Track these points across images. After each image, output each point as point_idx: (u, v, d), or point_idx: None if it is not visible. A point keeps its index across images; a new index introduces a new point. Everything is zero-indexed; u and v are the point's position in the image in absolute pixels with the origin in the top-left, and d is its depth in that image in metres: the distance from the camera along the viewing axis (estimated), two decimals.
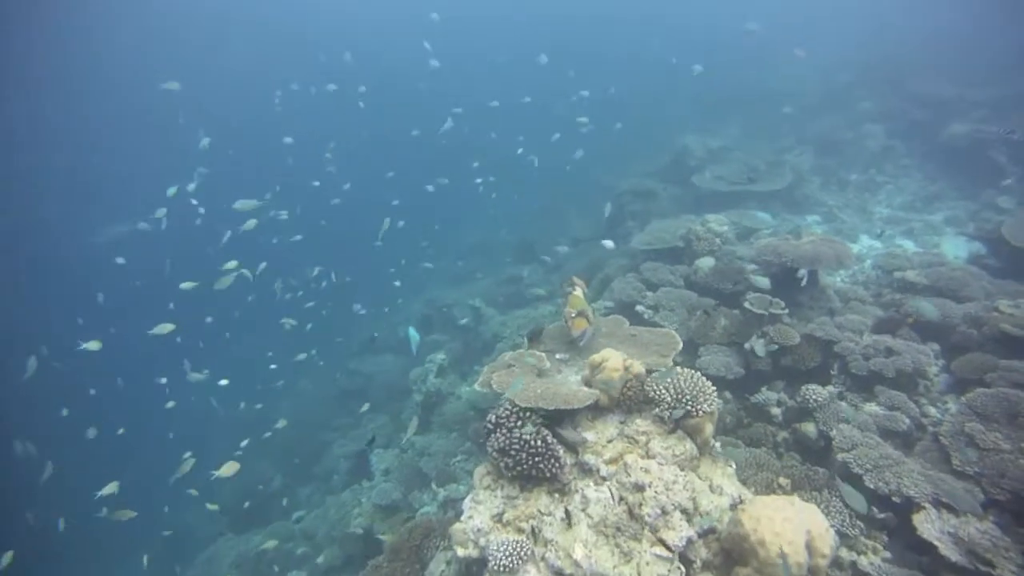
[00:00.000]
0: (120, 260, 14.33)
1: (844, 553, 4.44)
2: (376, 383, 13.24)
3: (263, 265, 10.52)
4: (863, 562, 4.37)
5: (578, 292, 5.56)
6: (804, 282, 6.55)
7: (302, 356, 14.57)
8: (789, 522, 3.30)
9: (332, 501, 9.19)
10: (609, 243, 8.67)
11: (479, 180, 14.93)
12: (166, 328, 7.82)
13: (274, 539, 8.99)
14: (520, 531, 3.85)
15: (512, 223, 18.71)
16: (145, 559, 9.60)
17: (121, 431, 12.73)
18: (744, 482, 4.86)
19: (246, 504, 11.07)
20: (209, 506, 9.22)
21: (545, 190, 19.72)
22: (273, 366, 15.22)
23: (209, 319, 14.94)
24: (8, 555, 7.35)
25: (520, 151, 16.58)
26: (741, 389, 6.25)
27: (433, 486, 7.79)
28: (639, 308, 7.46)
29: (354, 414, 12.78)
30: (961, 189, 10.77)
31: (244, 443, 12.97)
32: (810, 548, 3.28)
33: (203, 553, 10.45)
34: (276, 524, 9.86)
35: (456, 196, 20.59)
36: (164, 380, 12.82)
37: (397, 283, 14.63)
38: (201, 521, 12.25)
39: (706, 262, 7.91)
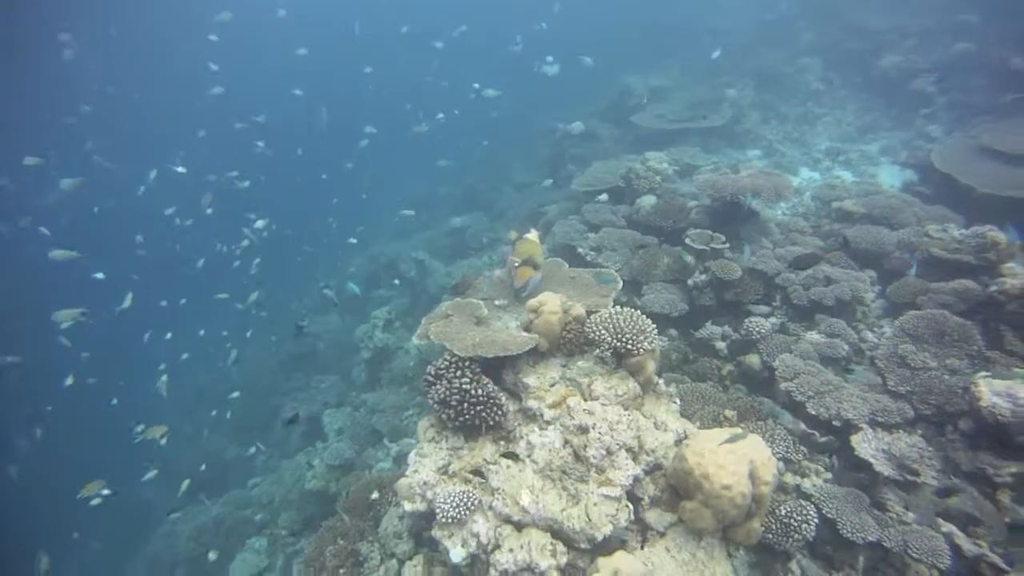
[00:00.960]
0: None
1: (789, 478, 4.54)
2: (325, 342, 12.94)
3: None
4: (806, 484, 4.47)
5: (532, 236, 5.37)
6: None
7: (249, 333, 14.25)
8: (732, 454, 3.29)
9: (287, 465, 9.00)
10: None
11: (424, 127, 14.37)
12: (70, 313, 7.30)
13: (230, 507, 8.81)
14: (467, 481, 3.77)
15: (454, 172, 18.26)
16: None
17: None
18: (691, 416, 4.90)
19: (201, 471, 10.80)
20: (148, 474, 8.94)
21: (487, 136, 19.30)
22: (224, 332, 14.80)
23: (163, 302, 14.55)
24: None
25: (474, 96, 16.15)
26: (686, 325, 6.27)
27: (386, 442, 7.69)
28: (580, 250, 7.36)
29: (305, 376, 12.54)
30: (895, 119, 10.92)
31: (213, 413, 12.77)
32: (753, 477, 3.29)
33: (162, 527, 10.18)
34: (232, 492, 9.64)
35: (395, 148, 20.07)
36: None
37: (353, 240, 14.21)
38: (160, 496, 11.93)
39: (647, 200, 7.85)
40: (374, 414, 8.53)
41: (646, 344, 3.85)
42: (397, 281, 12.05)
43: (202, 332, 14.85)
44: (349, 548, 4.81)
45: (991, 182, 6.69)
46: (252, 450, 9.82)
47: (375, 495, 5.28)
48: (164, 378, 8.63)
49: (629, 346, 3.84)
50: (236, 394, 11.51)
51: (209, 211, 10.68)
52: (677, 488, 3.52)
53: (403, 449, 7.17)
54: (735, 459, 3.28)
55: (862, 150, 10.38)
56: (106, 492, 7.15)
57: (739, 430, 3.51)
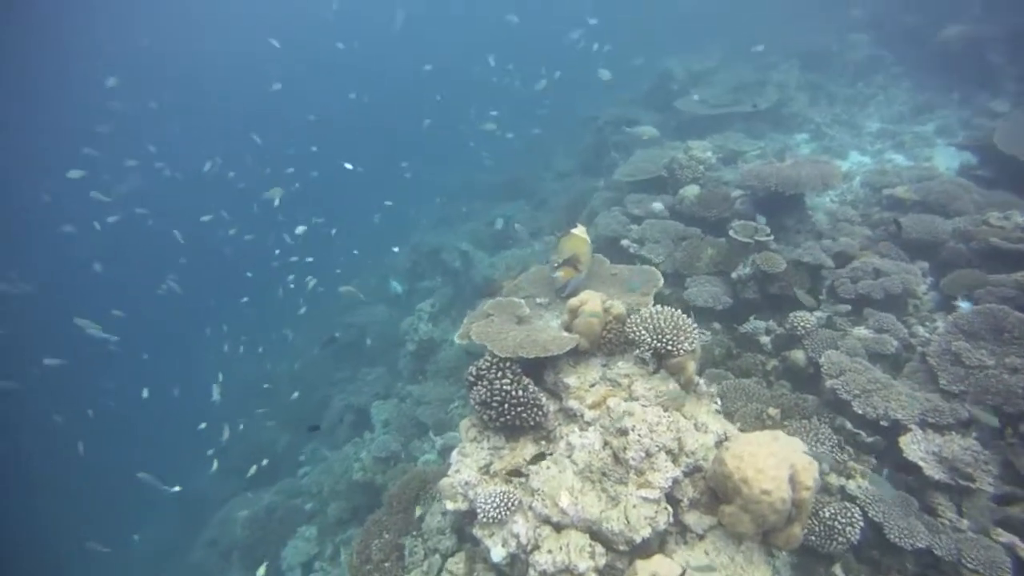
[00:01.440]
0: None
1: (833, 479, 4.47)
2: (370, 334, 13.21)
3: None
4: (851, 486, 4.39)
5: (578, 232, 5.35)
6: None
7: (302, 310, 14.66)
8: (772, 457, 3.26)
9: (335, 455, 9.30)
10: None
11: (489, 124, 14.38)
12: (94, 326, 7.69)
13: (281, 495, 9.16)
14: (507, 481, 3.84)
15: (498, 161, 18.30)
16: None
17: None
18: (733, 414, 4.86)
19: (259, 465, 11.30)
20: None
21: (531, 124, 19.24)
22: (286, 331, 15.30)
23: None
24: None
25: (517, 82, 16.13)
26: (730, 319, 6.18)
27: (431, 434, 7.85)
28: (624, 243, 7.31)
29: (352, 367, 12.85)
30: (953, 95, 10.41)
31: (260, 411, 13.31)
32: (794, 482, 3.26)
33: (217, 514, 10.66)
34: (284, 481, 10.01)
35: (440, 137, 20.25)
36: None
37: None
38: (214, 485, 12.47)
39: (691, 190, 7.72)
40: (419, 406, 8.71)
41: (686, 345, 3.83)
42: (439, 278, 12.20)
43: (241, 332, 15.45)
44: (394, 542, 4.96)
45: None
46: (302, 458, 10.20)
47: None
48: (219, 382, 9.04)
49: (669, 347, 3.83)
50: (296, 395, 11.95)
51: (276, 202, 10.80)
52: (716, 491, 3.51)
53: (447, 443, 7.31)
54: (775, 463, 3.25)
55: (916, 131, 9.96)
56: (176, 489, 7.62)
57: (779, 432, 3.48)
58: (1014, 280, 5.18)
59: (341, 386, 12.10)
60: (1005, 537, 3.90)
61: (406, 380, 10.09)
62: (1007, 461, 4.19)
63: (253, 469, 9.47)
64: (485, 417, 3.94)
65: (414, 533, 4.99)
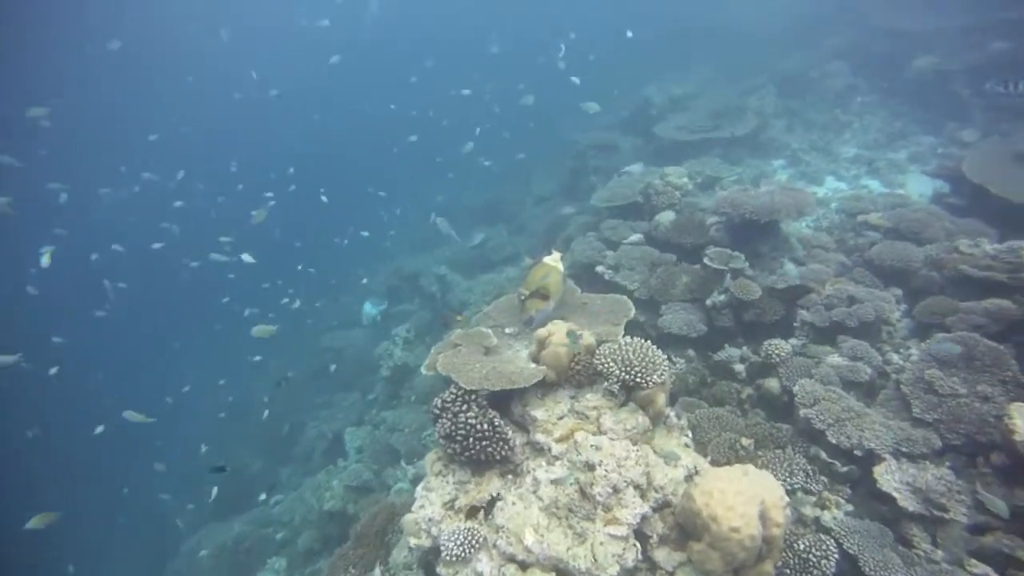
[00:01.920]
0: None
1: (808, 510, 4.40)
2: (346, 358, 13.05)
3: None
4: (826, 517, 4.33)
5: (550, 260, 5.23)
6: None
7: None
8: (741, 494, 3.18)
9: (308, 483, 9.08)
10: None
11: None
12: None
13: (251, 525, 8.91)
14: (472, 517, 3.72)
15: (476, 185, 18.32)
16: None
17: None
18: (706, 444, 4.79)
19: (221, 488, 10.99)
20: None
21: (511, 149, 19.33)
22: (258, 357, 15.08)
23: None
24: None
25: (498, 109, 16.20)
26: (705, 347, 6.14)
27: (402, 463, 7.69)
28: (599, 269, 7.27)
29: (328, 392, 12.66)
30: (925, 124, 10.58)
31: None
32: (764, 519, 3.18)
33: (185, 543, 10.35)
34: (255, 510, 9.76)
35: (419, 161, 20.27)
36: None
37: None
38: (182, 513, 12.16)
39: (666, 216, 7.73)
40: (393, 433, 8.56)
41: (655, 377, 3.76)
42: (416, 302, 12.11)
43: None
44: None
45: None
46: (262, 497, 9.95)
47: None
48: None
49: (638, 379, 3.76)
50: (266, 413, 11.71)
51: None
52: (685, 527, 3.42)
53: (420, 472, 7.16)
54: (744, 500, 3.17)
55: (890, 158, 10.08)
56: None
57: (749, 467, 3.41)
58: (983, 308, 5.18)
59: (315, 412, 11.89)
60: (979, 568, 3.84)
61: (381, 406, 9.93)
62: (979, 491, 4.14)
63: (214, 492, 9.22)
64: (450, 451, 3.84)
65: (381, 568, 4.84)
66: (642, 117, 13.70)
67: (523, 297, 4.80)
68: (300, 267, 16.86)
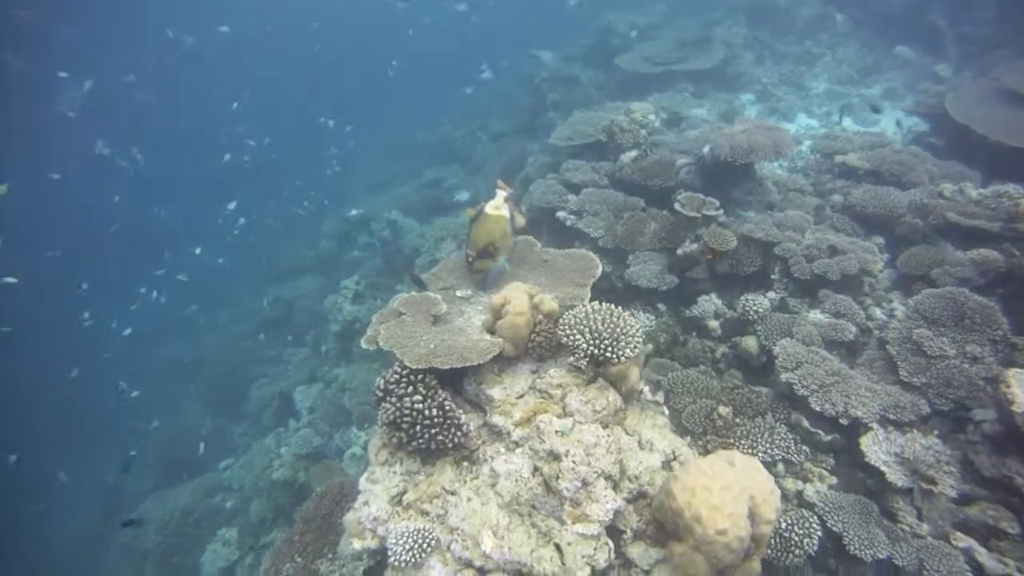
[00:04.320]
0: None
1: (790, 483, 4.08)
2: (297, 309, 12.32)
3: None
4: (809, 491, 4.02)
5: (492, 210, 4.56)
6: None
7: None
8: (728, 491, 2.76)
9: (257, 447, 8.54)
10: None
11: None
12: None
13: (200, 493, 8.40)
14: (424, 514, 3.25)
15: (430, 121, 17.27)
16: None
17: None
18: (680, 412, 4.40)
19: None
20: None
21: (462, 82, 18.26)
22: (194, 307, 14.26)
23: None
24: None
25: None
26: (676, 300, 5.70)
27: (354, 430, 7.19)
28: (560, 215, 6.70)
29: (279, 345, 11.99)
30: (899, 58, 10.09)
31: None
32: (753, 515, 2.79)
33: (133, 514, 9.76)
34: (203, 476, 9.18)
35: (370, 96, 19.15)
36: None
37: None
38: (132, 475, 11.54)
39: (631, 156, 7.14)
40: (345, 392, 8.04)
41: (628, 351, 3.27)
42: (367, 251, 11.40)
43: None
44: (307, 567, 4.36)
45: (1016, 132, 6.01)
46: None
47: None
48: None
49: (608, 353, 3.26)
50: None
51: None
52: (664, 524, 3.01)
53: (372, 438, 6.71)
54: (732, 497, 2.76)
55: (863, 94, 9.63)
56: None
57: (735, 455, 2.99)
58: (970, 259, 4.85)
59: (265, 367, 11.23)
60: (964, 542, 3.60)
61: (332, 362, 9.34)
62: (967, 459, 3.86)
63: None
64: (394, 440, 3.31)
65: (330, 556, 4.40)
66: (604, 47, 12.86)
67: (470, 259, 4.23)
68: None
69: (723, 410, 4.36)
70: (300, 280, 13.24)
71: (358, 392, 7.85)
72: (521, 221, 4.73)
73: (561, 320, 3.43)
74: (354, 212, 12.47)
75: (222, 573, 7.23)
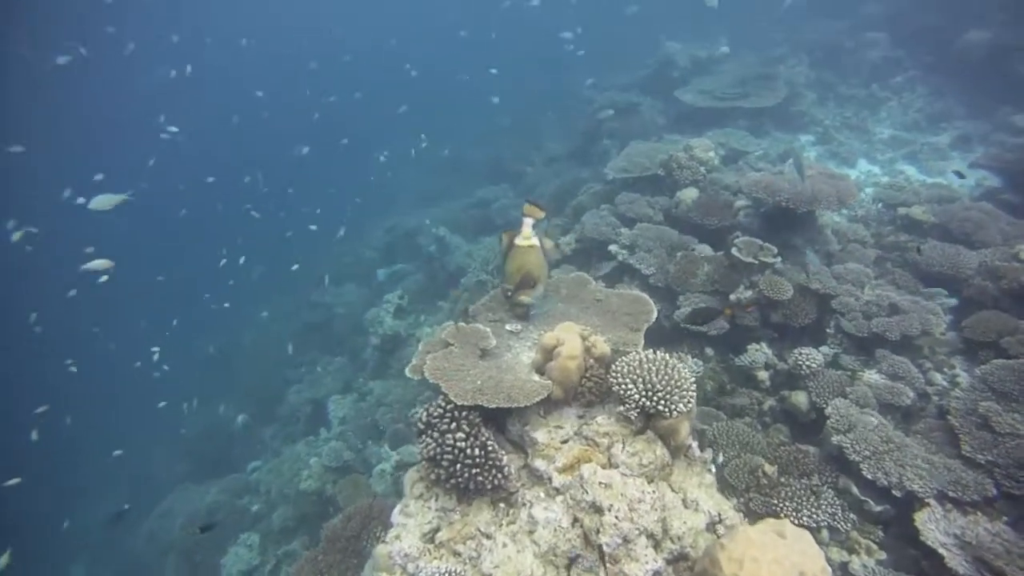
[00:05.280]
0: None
1: (835, 553, 3.89)
2: (338, 316, 12.46)
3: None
4: (855, 563, 3.82)
5: (522, 241, 4.38)
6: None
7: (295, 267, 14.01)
8: (778, 564, 2.62)
9: (287, 453, 8.61)
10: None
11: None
12: (103, 264, 6.81)
13: (226, 494, 8.51)
14: (456, 555, 3.18)
15: (484, 138, 17.41)
16: None
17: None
18: (724, 466, 4.26)
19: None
20: None
21: (521, 102, 18.32)
22: (226, 305, 14.58)
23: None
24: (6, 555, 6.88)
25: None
26: (725, 347, 5.55)
27: (386, 448, 7.18)
28: (612, 248, 6.63)
29: (316, 349, 12.14)
30: (972, 107, 9.74)
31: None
32: None
33: (160, 504, 9.95)
34: (231, 477, 9.29)
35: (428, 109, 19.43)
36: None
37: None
38: (160, 467, 11.80)
39: (689, 193, 7.04)
40: (379, 407, 8.04)
41: (682, 406, 3.17)
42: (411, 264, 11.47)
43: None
44: None
45: None
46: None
47: None
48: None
49: (661, 407, 3.16)
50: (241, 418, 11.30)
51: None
52: None
53: (404, 459, 6.68)
54: (782, 571, 2.61)
55: (931, 142, 9.32)
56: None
57: (787, 526, 2.85)
58: None
59: (302, 373, 11.36)
60: None
61: (369, 375, 9.39)
62: None
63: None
64: (432, 477, 3.27)
65: None
66: (663, 78, 12.79)
67: (508, 293, 4.17)
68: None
69: (768, 468, 4.20)
70: (342, 287, 13.40)
71: (393, 409, 7.86)
72: (551, 247, 4.62)
73: (613, 367, 3.35)
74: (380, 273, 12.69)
75: (243, 575, 7.29)
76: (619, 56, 16.30)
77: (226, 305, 14.67)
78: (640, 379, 3.23)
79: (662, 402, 3.16)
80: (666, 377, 3.23)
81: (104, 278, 6.93)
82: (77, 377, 12.27)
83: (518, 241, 4.22)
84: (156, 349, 12.92)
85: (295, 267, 13.66)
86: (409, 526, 3.34)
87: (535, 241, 4.28)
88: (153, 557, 8.91)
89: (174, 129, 14.50)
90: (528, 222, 4.33)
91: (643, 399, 3.18)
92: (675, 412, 3.16)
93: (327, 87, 22.00)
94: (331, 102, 21.02)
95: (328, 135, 19.84)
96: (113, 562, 10.15)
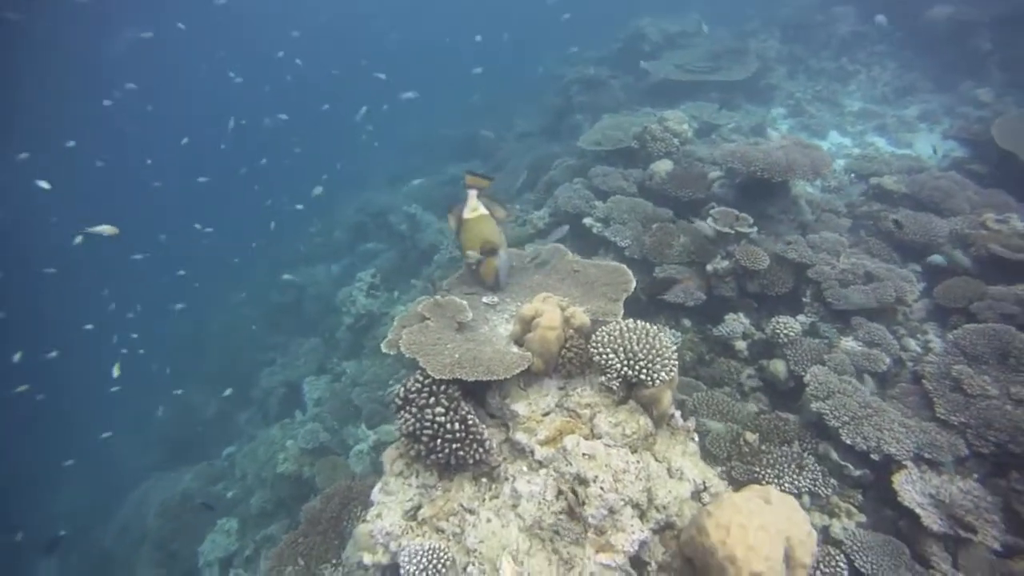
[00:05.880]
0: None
1: (816, 517, 3.92)
2: (309, 296, 12.23)
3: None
4: (836, 527, 3.86)
5: (471, 213, 4.32)
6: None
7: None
8: (764, 531, 2.61)
9: (262, 437, 8.45)
10: None
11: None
12: (108, 229, 6.58)
13: (201, 480, 8.33)
14: (439, 532, 3.12)
15: (455, 117, 17.16)
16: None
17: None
18: (705, 435, 4.26)
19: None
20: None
21: (491, 81, 18.07)
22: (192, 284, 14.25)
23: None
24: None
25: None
26: (703, 317, 5.55)
27: (363, 427, 7.07)
28: (587, 221, 6.57)
29: (288, 331, 11.92)
30: (938, 80, 9.85)
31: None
32: (788, 559, 2.63)
33: (134, 492, 9.70)
34: (205, 463, 9.09)
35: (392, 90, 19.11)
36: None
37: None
38: (132, 453, 11.52)
39: (663, 165, 7.00)
40: (355, 387, 7.91)
41: (664, 374, 3.12)
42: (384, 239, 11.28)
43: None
44: (311, 570, 4.24)
45: None
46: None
47: None
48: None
49: (643, 376, 3.12)
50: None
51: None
52: (693, 562, 2.86)
53: (381, 438, 6.59)
54: (768, 538, 2.60)
55: (899, 115, 9.41)
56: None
57: (772, 491, 2.84)
58: (1015, 295, 4.66)
59: (274, 353, 11.15)
60: None
61: (343, 354, 9.24)
62: (1010, 508, 3.68)
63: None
64: (412, 453, 3.19)
65: (334, 561, 4.29)
66: (634, 52, 12.68)
67: (474, 265, 4.11)
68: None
69: (750, 436, 4.22)
70: (313, 267, 13.16)
71: (368, 387, 7.74)
72: (501, 213, 4.61)
73: (594, 337, 3.29)
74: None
75: (220, 563, 7.15)
76: (590, 30, 16.15)
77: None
78: (621, 348, 3.18)
79: (644, 371, 3.11)
80: (647, 346, 3.17)
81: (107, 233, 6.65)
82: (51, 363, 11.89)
83: (466, 215, 4.25)
84: (135, 335, 12.62)
85: (254, 244, 13.27)
86: (390, 504, 3.26)
87: (484, 211, 4.28)
88: (125, 550, 8.69)
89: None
90: (472, 194, 4.36)
91: (625, 368, 3.13)
92: (657, 380, 3.12)
93: (306, 57, 21.42)
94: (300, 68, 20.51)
95: (306, 106, 19.40)
96: (87, 554, 9.89)
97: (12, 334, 13.56)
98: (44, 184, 10.14)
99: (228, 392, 10.10)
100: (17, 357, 10.06)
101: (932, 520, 3.58)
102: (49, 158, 13.61)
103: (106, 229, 6.56)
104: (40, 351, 11.57)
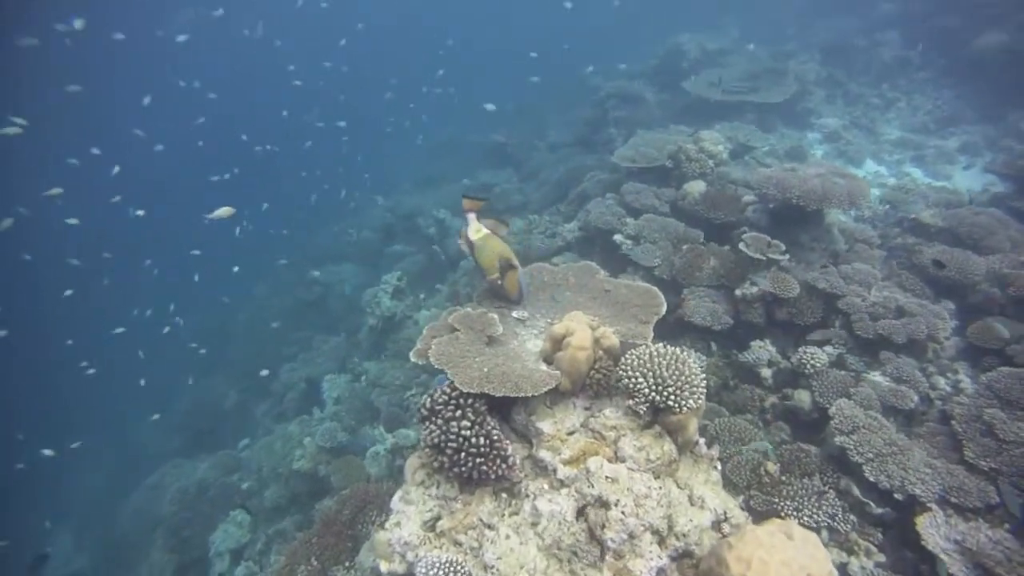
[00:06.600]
0: None
1: (833, 554, 3.87)
2: (334, 294, 12.36)
3: None
4: (854, 565, 3.81)
5: (476, 233, 4.35)
6: None
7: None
8: (787, 567, 2.59)
9: (279, 432, 8.55)
10: None
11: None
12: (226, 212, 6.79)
13: (218, 470, 8.45)
14: (457, 545, 3.14)
15: (486, 122, 17.23)
16: None
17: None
18: (726, 462, 4.24)
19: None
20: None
21: (525, 88, 18.14)
22: (236, 268, 14.47)
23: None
24: None
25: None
26: (729, 342, 5.52)
27: (381, 429, 7.12)
28: (617, 238, 6.57)
29: (311, 327, 12.05)
30: (983, 110, 9.67)
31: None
32: None
33: (151, 477, 9.87)
34: (222, 453, 9.21)
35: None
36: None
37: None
38: (153, 438, 11.71)
39: (696, 186, 6.98)
40: (375, 388, 7.98)
41: (691, 402, 3.12)
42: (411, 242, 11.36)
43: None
44: (323, 572, 4.29)
45: None
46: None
47: None
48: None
49: (671, 402, 3.12)
50: None
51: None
52: None
53: (399, 442, 6.63)
54: (790, 574, 2.59)
55: (938, 145, 9.26)
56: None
57: (794, 527, 2.82)
58: None
59: (296, 349, 11.27)
60: None
61: (364, 354, 9.31)
62: None
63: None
64: (435, 464, 3.22)
65: (347, 564, 4.33)
66: (671, 69, 12.66)
67: (497, 281, 4.14)
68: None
69: (771, 466, 4.19)
70: (340, 266, 13.29)
71: (388, 390, 7.80)
72: (503, 229, 4.67)
73: (623, 360, 3.30)
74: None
75: (231, 553, 7.24)
76: (628, 44, 16.18)
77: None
78: (650, 373, 3.18)
79: (672, 397, 3.11)
80: (676, 372, 3.17)
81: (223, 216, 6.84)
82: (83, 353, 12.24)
83: (472, 237, 4.30)
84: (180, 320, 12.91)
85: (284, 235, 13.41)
86: (409, 513, 3.29)
87: (485, 230, 4.34)
88: (139, 535, 8.84)
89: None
90: (471, 217, 4.41)
91: (653, 393, 3.13)
92: (685, 408, 3.11)
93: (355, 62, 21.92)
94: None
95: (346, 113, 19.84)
96: (101, 532, 10.08)
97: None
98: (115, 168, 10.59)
99: (265, 372, 10.22)
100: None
101: (958, 568, 3.52)
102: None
103: (224, 212, 6.75)
104: (103, 330, 11.96)
